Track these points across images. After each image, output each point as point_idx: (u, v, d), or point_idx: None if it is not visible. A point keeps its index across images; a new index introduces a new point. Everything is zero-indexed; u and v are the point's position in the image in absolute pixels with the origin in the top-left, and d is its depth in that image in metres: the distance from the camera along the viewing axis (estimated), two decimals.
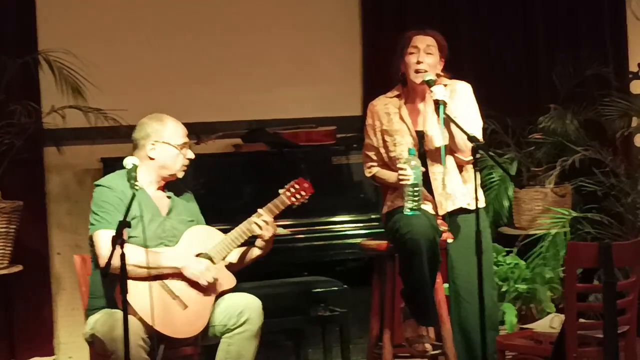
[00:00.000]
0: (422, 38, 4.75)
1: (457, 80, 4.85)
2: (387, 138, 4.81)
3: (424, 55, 4.71)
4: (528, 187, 6.09)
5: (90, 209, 4.38)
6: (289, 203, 4.55)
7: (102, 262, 4.18)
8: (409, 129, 4.77)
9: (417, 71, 4.71)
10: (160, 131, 4.44)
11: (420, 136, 4.77)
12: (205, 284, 4.34)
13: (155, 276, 4.26)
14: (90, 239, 4.34)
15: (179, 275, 4.33)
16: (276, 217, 4.54)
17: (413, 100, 4.84)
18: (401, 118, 4.79)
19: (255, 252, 4.54)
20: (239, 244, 4.48)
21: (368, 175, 4.91)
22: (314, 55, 6.29)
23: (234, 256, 4.53)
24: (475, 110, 4.81)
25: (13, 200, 5.45)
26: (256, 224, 4.47)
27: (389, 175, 4.78)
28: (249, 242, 4.53)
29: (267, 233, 4.48)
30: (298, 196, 4.56)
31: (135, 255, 4.15)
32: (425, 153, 4.76)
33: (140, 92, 5.92)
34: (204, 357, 4.51)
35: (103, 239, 4.25)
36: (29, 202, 5.56)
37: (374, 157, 4.88)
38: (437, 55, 4.76)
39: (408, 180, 4.52)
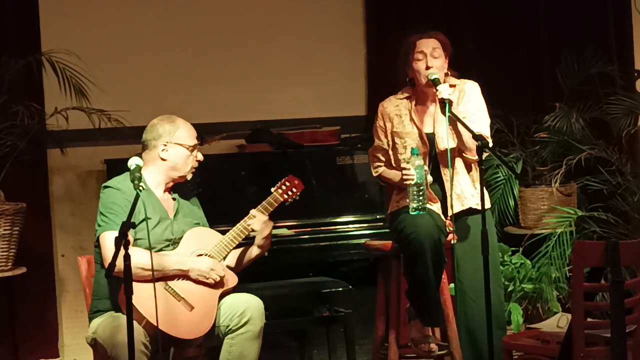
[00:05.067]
0: (427, 42, 4.72)
1: (466, 80, 4.83)
2: (397, 140, 4.79)
3: (432, 59, 4.69)
4: (534, 186, 6.07)
5: (93, 210, 4.38)
6: (281, 200, 4.57)
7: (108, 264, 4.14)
8: (419, 131, 4.74)
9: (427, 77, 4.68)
10: (173, 132, 4.43)
11: (432, 138, 4.75)
12: (213, 282, 4.33)
13: (159, 278, 4.24)
14: (97, 240, 4.33)
15: (183, 276, 4.32)
16: (277, 217, 4.52)
17: (424, 102, 4.81)
18: (412, 120, 4.77)
19: (254, 251, 4.53)
20: (237, 243, 4.47)
21: (375, 175, 4.90)
22: (317, 56, 6.28)
23: (231, 259, 4.52)
24: (483, 109, 4.79)
25: (16, 202, 5.43)
26: (251, 224, 4.47)
27: (394, 175, 4.77)
28: (246, 243, 4.53)
29: (264, 231, 4.47)
30: (290, 193, 4.59)
31: (140, 258, 4.12)
32: (436, 155, 4.74)
33: (144, 93, 5.91)
34: (207, 359, 4.49)
35: (110, 240, 4.21)
36: (32, 203, 5.54)
37: (382, 158, 4.86)
38: (443, 56, 4.74)
39: (412, 179, 4.51)
